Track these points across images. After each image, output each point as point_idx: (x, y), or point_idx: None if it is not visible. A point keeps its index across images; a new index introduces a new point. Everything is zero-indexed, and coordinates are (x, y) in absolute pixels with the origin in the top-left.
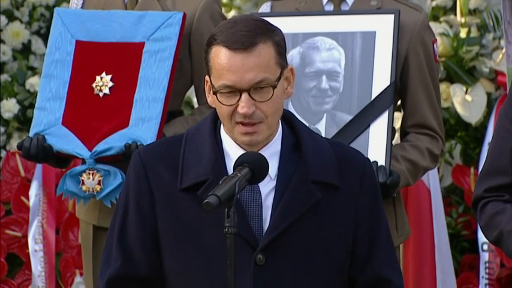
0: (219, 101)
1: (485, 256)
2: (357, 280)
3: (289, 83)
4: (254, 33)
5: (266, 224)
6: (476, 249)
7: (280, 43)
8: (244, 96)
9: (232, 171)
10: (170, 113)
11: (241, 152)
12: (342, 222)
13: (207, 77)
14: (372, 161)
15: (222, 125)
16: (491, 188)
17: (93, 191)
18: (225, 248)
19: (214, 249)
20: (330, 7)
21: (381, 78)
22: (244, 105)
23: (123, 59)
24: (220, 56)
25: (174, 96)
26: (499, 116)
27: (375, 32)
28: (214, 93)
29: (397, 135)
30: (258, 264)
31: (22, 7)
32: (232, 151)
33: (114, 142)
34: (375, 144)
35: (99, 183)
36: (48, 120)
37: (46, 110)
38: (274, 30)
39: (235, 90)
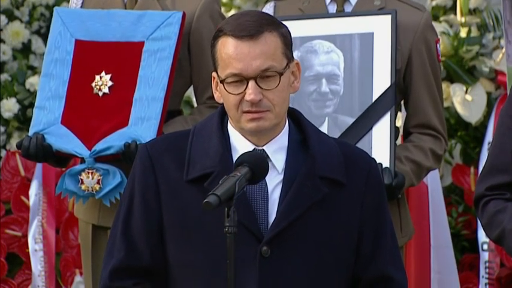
0: (226, 90)
1: (485, 256)
2: (361, 278)
3: (295, 78)
4: (260, 22)
5: (272, 217)
6: (476, 249)
7: (286, 35)
8: (251, 83)
9: None
10: (169, 113)
11: (249, 145)
12: (347, 219)
13: (213, 74)
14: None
15: (229, 120)
16: (493, 186)
17: (92, 190)
18: None
19: (219, 241)
20: (333, 7)
21: (381, 80)
22: (251, 92)
23: (123, 58)
24: (227, 45)
25: (173, 95)
26: (500, 114)
27: (373, 33)
28: (222, 82)
29: (398, 135)
30: (264, 256)
31: (22, 7)
32: (240, 145)
33: (114, 141)
34: (379, 146)
35: (98, 183)
36: (48, 119)
37: (45, 109)
38: (279, 24)
39: (242, 79)
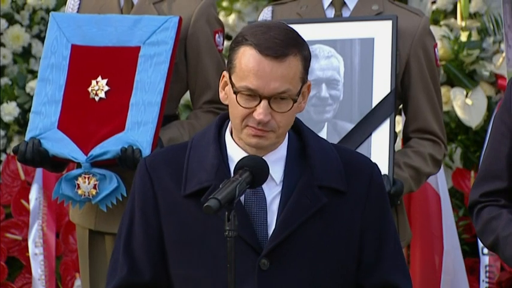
0: (238, 102)
1: (485, 260)
2: (364, 285)
3: (303, 98)
4: (287, 43)
5: (271, 229)
6: (477, 253)
7: (307, 58)
8: (264, 103)
9: None
10: (166, 117)
11: None
12: (348, 227)
13: (225, 73)
14: None
15: (226, 130)
16: (487, 192)
17: (88, 195)
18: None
19: (219, 254)
20: (331, 12)
21: (381, 86)
22: (261, 111)
23: (119, 63)
24: (249, 57)
25: (169, 100)
26: (494, 119)
27: (373, 39)
28: (235, 93)
29: (398, 139)
30: (262, 269)
31: (22, 10)
32: (237, 156)
33: (110, 146)
34: (378, 153)
35: (94, 187)
36: (44, 124)
37: (42, 114)
38: (304, 44)
39: (255, 95)
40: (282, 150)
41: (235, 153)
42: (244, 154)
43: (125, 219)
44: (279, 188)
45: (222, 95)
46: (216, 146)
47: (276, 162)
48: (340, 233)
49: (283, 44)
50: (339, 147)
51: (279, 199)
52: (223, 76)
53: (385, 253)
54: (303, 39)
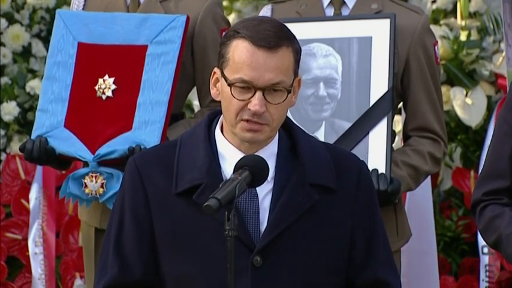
0: (232, 94)
1: (485, 259)
2: (355, 282)
3: (294, 93)
4: (280, 35)
5: (263, 226)
6: (477, 252)
7: (298, 52)
8: (259, 94)
9: (228, 174)
10: (172, 116)
11: (237, 154)
12: (339, 225)
13: (215, 69)
14: (372, 168)
15: (216, 127)
16: (490, 191)
17: (96, 194)
18: (222, 251)
19: (212, 252)
20: (330, 10)
21: (379, 84)
22: (257, 103)
23: (126, 61)
24: (242, 49)
25: (175, 99)
26: (497, 119)
27: (371, 37)
28: (229, 85)
29: (397, 138)
30: (255, 266)
31: (22, 10)
32: (228, 153)
33: (117, 145)
34: (375, 152)
35: (102, 186)
36: (51, 122)
37: (48, 112)
38: (294, 38)
39: (250, 87)
40: (272, 147)
41: (226, 150)
42: (235, 151)
43: (113, 218)
44: (271, 185)
45: (213, 91)
46: (207, 144)
47: (267, 159)
48: (331, 230)
49: (276, 36)
50: (328, 146)
51: (270, 196)
52: (215, 73)
53: (375, 250)
54: (294, 36)
